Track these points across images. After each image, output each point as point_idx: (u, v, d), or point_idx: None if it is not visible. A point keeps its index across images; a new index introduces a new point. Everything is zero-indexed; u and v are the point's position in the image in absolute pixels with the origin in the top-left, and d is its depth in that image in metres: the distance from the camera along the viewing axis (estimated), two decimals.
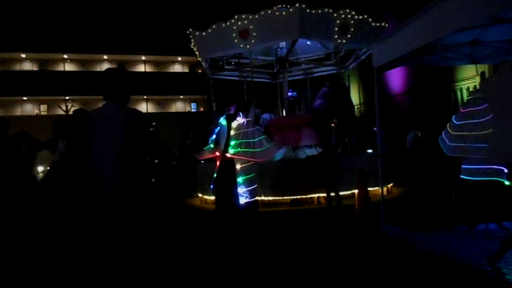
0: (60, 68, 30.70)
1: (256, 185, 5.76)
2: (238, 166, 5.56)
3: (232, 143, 5.51)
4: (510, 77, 3.71)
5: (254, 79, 10.47)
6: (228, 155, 5.49)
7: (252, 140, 5.59)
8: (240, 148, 5.49)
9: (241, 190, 5.52)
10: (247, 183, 5.59)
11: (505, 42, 4.67)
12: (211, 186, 5.83)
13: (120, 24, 30.21)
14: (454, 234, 4.49)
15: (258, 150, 5.56)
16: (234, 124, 5.63)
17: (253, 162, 5.60)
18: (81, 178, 4.26)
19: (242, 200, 5.48)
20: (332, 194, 6.91)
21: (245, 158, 5.47)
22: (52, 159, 5.46)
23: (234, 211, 5.44)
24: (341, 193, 7.77)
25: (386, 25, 9.04)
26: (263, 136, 5.72)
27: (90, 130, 4.05)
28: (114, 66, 32.43)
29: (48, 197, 4.78)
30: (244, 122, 5.66)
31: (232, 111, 5.73)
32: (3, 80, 27.13)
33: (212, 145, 5.79)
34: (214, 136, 5.78)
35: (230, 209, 5.48)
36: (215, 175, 5.64)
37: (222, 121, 5.73)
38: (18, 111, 29.96)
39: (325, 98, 9.63)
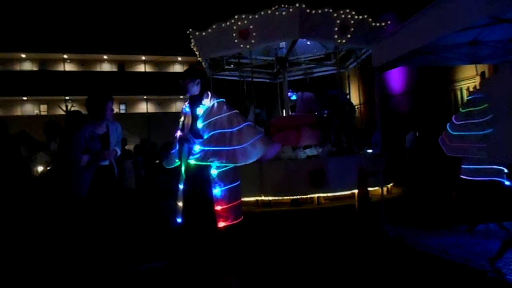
0: (60, 68, 30.74)
1: (241, 200, 4.05)
2: (213, 171, 3.82)
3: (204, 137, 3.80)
4: (510, 77, 3.71)
5: (254, 79, 10.47)
6: (191, 161, 3.77)
7: (229, 131, 3.76)
8: (210, 145, 3.71)
9: (219, 208, 3.76)
10: (229, 196, 3.84)
11: (505, 42, 4.66)
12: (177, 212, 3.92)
13: (120, 24, 30.23)
14: (454, 234, 4.48)
15: (237, 147, 3.74)
16: (201, 109, 3.86)
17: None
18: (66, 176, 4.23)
19: (221, 224, 3.77)
20: None
21: (219, 162, 3.73)
22: (46, 160, 5.46)
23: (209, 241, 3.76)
24: (341, 193, 7.82)
25: (386, 25, 9.04)
26: (244, 124, 3.85)
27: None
28: (114, 66, 32.69)
29: (45, 196, 4.78)
30: (214, 104, 3.84)
31: (195, 91, 3.92)
32: (3, 80, 27.15)
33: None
34: (178, 132, 3.99)
35: (204, 238, 3.75)
36: (180, 186, 3.91)
37: (186, 108, 4.03)
38: (18, 111, 30.00)
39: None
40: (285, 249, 4.49)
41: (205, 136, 3.79)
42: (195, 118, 3.88)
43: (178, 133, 3.97)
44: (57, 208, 4.39)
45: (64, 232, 4.19)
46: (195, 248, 3.76)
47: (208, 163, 3.76)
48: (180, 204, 3.92)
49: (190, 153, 3.82)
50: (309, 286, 3.31)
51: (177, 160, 4.00)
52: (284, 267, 3.81)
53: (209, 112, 3.83)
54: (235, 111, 3.95)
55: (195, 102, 3.91)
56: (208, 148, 3.72)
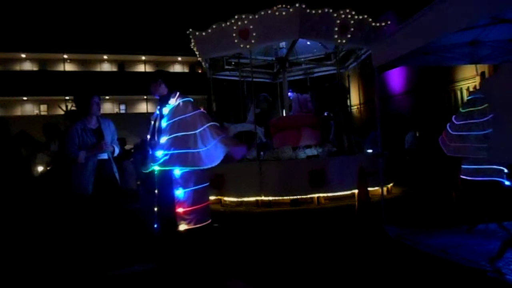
0: (60, 68, 30.75)
1: (207, 202, 3.93)
2: (177, 171, 3.69)
3: (163, 140, 3.67)
4: (510, 77, 3.71)
5: (254, 79, 10.46)
6: (156, 168, 3.69)
7: (193, 132, 3.64)
8: (174, 148, 3.60)
9: (180, 210, 3.64)
10: (193, 198, 3.70)
11: (505, 42, 4.67)
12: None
13: (120, 24, 30.23)
14: (454, 234, 4.48)
15: (201, 149, 3.63)
16: (166, 109, 3.79)
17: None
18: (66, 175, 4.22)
19: (183, 226, 3.65)
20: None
21: (183, 166, 3.63)
22: (46, 160, 5.49)
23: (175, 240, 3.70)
24: (341, 193, 7.83)
25: (386, 25, 9.04)
26: (208, 124, 3.72)
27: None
28: (114, 66, 32.68)
29: (46, 195, 4.78)
30: (179, 104, 3.76)
31: (163, 91, 3.87)
32: (3, 80, 27.16)
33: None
34: (149, 135, 3.89)
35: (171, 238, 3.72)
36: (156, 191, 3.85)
37: (157, 111, 3.95)
38: (18, 111, 30.00)
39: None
40: (285, 250, 4.49)
41: (167, 137, 3.67)
42: (161, 118, 3.82)
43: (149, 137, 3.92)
44: (58, 207, 4.39)
45: (63, 232, 4.19)
46: (169, 251, 3.73)
47: (172, 168, 3.67)
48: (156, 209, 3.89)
49: (153, 157, 3.75)
50: (309, 286, 3.31)
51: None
52: (284, 268, 3.81)
53: (174, 111, 3.74)
54: (200, 110, 3.84)
55: (163, 102, 3.86)
56: (171, 152, 3.62)
